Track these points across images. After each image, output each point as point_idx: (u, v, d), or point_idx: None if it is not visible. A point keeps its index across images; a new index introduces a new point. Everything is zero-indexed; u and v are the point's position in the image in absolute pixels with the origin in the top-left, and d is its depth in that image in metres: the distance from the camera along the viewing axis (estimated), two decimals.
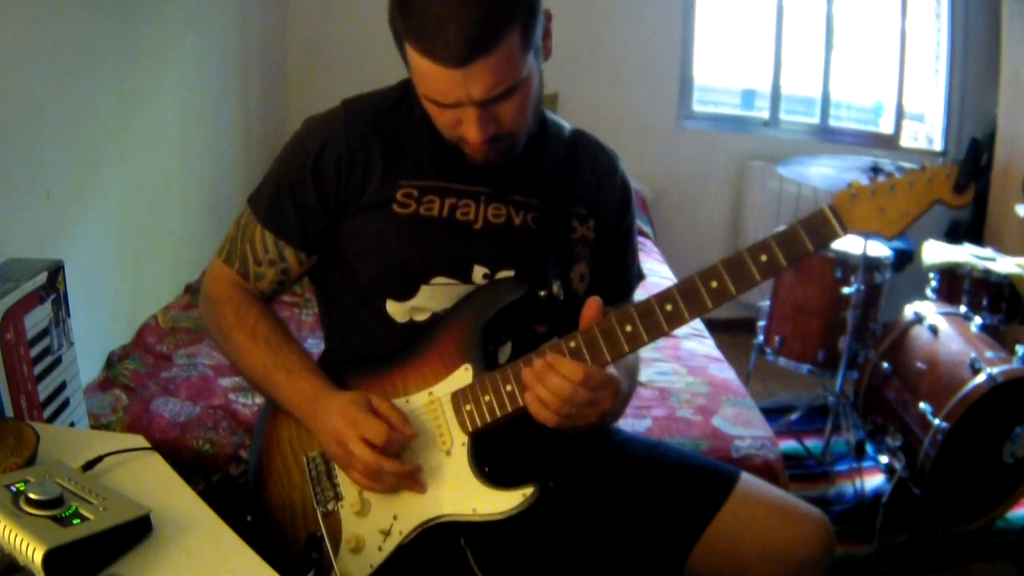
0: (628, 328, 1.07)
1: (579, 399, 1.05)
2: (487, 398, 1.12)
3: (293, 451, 1.23)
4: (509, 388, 1.11)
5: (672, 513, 1.28)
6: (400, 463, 1.12)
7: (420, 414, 1.16)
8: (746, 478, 1.33)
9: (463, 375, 1.15)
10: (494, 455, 1.14)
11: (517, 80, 1.06)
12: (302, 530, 1.19)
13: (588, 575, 1.26)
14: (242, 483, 1.70)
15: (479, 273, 1.20)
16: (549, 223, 1.23)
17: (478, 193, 1.21)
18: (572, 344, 1.08)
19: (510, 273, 1.21)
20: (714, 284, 1.05)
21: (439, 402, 1.16)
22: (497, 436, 1.15)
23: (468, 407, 1.14)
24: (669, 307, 1.06)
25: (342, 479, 1.18)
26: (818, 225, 1.03)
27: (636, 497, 1.30)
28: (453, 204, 1.20)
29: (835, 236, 1.04)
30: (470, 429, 1.14)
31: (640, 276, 1.39)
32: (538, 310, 1.20)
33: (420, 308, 1.20)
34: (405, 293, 1.20)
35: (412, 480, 1.13)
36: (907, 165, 1.07)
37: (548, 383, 1.05)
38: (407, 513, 1.14)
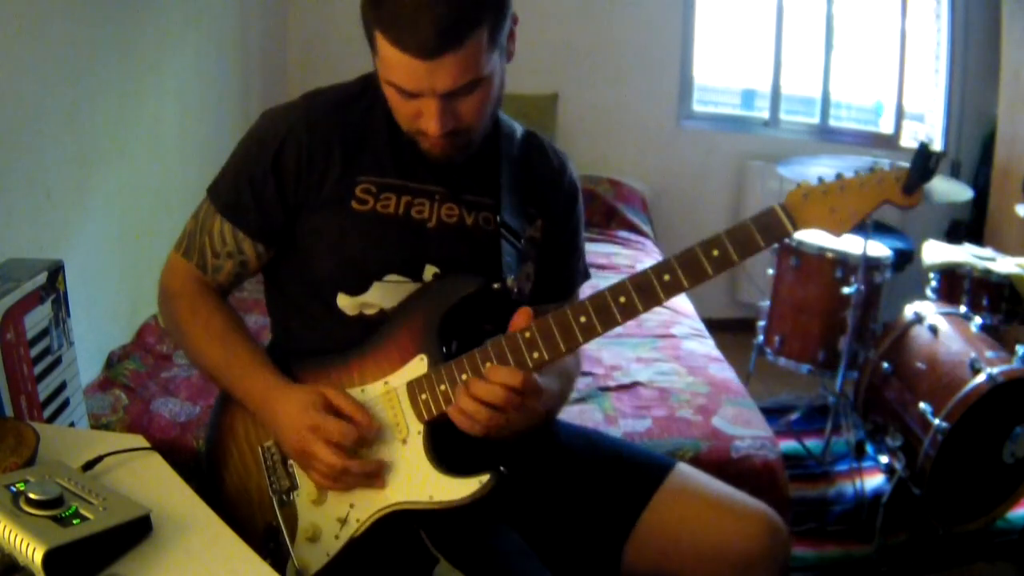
0: (583, 319, 1.10)
1: (512, 403, 1.07)
2: (443, 387, 1.13)
3: (248, 442, 1.23)
4: (465, 376, 1.12)
5: (605, 504, 1.29)
6: (365, 462, 1.13)
7: (376, 404, 1.17)
8: (681, 469, 1.33)
9: (419, 365, 1.16)
10: (448, 444, 1.15)
11: (480, 75, 1.08)
12: (259, 520, 1.20)
13: (541, 556, 1.26)
14: None
15: (430, 272, 1.22)
16: (502, 223, 1.24)
17: (433, 192, 1.23)
18: (527, 335, 1.11)
19: None
20: (667, 278, 1.08)
21: (395, 392, 1.17)
22: (451, 425, 1.15)
23: (424, 396, 1.15)
24: (623, 299, 1.09)
25: (298, 469, 1.19)
26: (769, 223, 1.07)
27: (572, 488, 1.31)
28: (409, 202, 1.21)
29: (786, 234, 1.08)
30: (426, 418, 1.15)
31: (585, 275, 1.41)
32: (491, 305, 1.22)
33: (370, 304, 1.22)
34: (357, 288, 1.21)
35: (374, 477, 1.14)
36: (862, 168, 1.11)
37: (478, 392, 1.07)
38: (364, 501, 1.15)
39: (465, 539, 1.19)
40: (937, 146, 1.01)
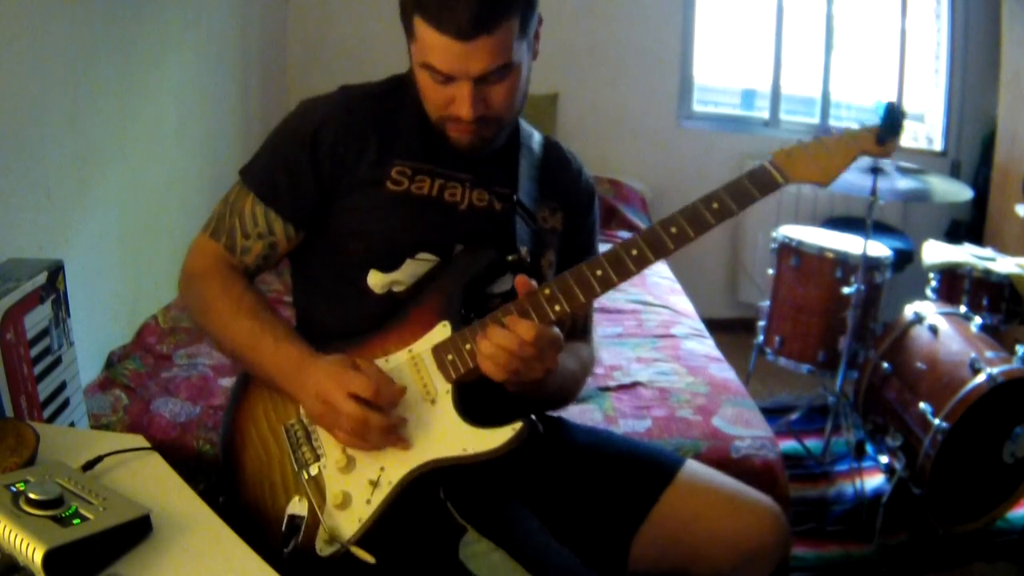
0: (599, 272, 1.16)
1: (526, 354, 1.11)
2: (468, 347, 1.16)
3: (270, 424, 1.24)
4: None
5: (614, 500, 1.31)
6: (386, 416, 1.13)
7: (401, 370, 1.19)
8: (691, 465, 1.36)
9: (442, 331, 1.20)
10: (475, 408, 1.16)
11: (511, 60, 1.15)
12: (284, 501, 1.19)
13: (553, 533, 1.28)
14: None
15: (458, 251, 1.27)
16: (517, 201, 1.31)
17: (463, 179, 1.29)
18: (547, 291, 1.15)
19: None
20: (673, 230, 1.15)
21: (420, 357, 1.19)
22: (478, 388, 1.17)
23: (450, 357, 1.17)
24: (635, 252, 1.15)
25: (324, 439, 1.19)
26: (761, 176, 1.17)
27: (580, 484, 1.33)
28: (442, 185, 1.27)
29: (777, 185, 1.17)
30: (453, 377, 1.17)
31: None
32: (507, 275, 1.26)
33: (399, 281, 1.25)
34: (390, 265, 1.25)
35: (396, 435, 1.15)
36: (838, 129, 1.23)
37: (497, 338, 1.11)
38: (395, 462, 1.15)
39: (489, 510, 1.20)
40: (906, 108, 1.16)
